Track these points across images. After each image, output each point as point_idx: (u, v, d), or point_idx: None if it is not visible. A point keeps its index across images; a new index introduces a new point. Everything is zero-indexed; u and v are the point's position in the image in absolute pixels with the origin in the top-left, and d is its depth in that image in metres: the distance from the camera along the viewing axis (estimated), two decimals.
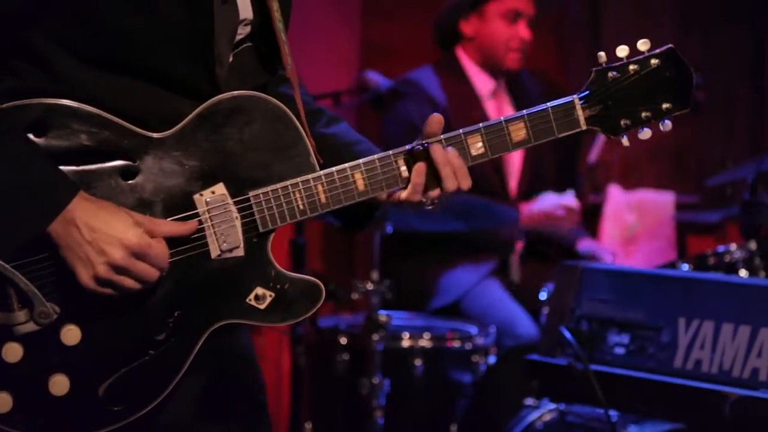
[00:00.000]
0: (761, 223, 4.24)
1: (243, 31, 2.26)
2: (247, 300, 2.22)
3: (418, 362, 4.65)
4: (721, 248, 4.39)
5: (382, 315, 4.53)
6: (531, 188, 5.38)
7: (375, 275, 4.55)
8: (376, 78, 5.22)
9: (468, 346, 4.73)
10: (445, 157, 2.28)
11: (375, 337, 4.51)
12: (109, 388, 2.14)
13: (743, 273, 4.24)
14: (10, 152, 2.07)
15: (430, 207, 2.32)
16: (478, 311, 5.00)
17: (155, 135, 2.17)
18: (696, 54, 5.78)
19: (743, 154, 5.89)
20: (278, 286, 2.23)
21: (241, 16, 2.24)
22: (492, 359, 4.80)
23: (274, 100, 2.23)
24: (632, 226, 5.61)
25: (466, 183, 2.30)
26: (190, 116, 2.18)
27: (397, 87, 5.19)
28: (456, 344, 4.73)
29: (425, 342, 4.67)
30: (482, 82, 5.26)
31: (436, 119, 2.31)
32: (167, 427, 2.24)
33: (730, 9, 6.06)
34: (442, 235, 5.07)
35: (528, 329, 4.89)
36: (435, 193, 2.30)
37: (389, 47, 5.99)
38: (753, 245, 4.26)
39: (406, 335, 4.67)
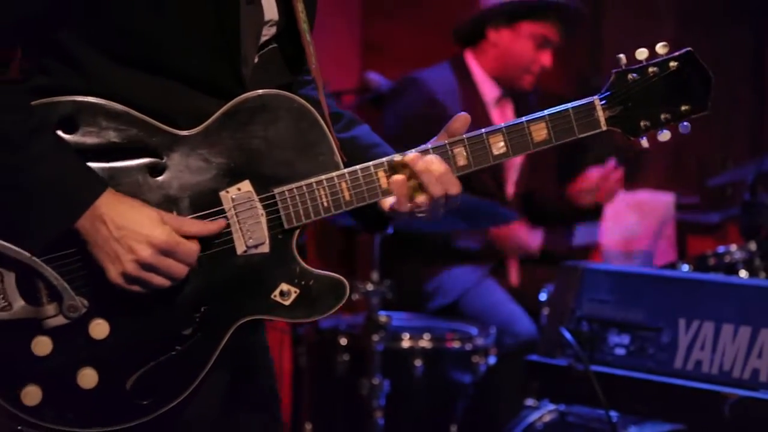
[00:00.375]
0: (761, 223, 4.26)
1: (268, 32, 2.28)
2: (272, 296, 2.23)
3: (418, 363, 4.64)
4: (721, 249, 4.40)
5: (382, 315, 4.52)
6: (529, 192, 5.40)
7: (375, 276, 4.55)
8: (377, 79, 5.23)
9: (468, 346, 4.72)
10: (425, 165, 2.26)
11: (375, 337, 4.50)
12: (136, 382, 2.16)
13: (743, 274, 4.25)
14: (40, 149, 2.08)
15: (422, 215, 2.31)
16: (477, 311, 4.99)
17: (182, 132, 2.19)
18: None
19: (743, 154, 5.89)
20: (303, 283, 2.25)
21: (267, 17, 2.26)
22: (492, 360, 4.79)
23: (300, 99, 2.25)
24: (633, 226, 5.62)
25: (455, 188, 2.29)
26: (217, 114, 2.20)
27: (399, 83, 5.18)
28: (456, 345, 4.72)
29: (425, 342, 4.66)
30: (489, 89, 5.20)
31: (462, 118, 2.31)
32: (193, 421, 2.25)
33: (731, 9, 6.04)
34: (443, 236, 5.07)
35: (527, 327, 4.89)
36: (422, 199, 2.28)
37: (389, 47, 5.98)
38: (753, 246, 4.27)
39: (406, 336, 4.66)
